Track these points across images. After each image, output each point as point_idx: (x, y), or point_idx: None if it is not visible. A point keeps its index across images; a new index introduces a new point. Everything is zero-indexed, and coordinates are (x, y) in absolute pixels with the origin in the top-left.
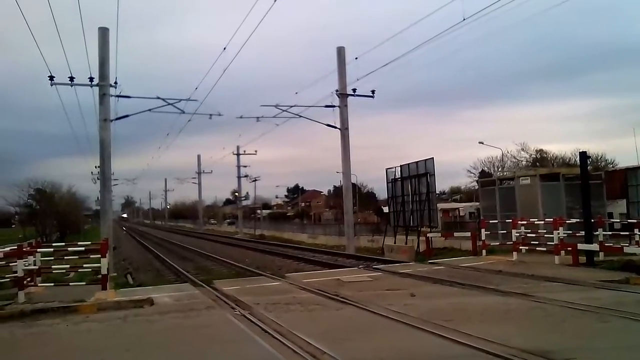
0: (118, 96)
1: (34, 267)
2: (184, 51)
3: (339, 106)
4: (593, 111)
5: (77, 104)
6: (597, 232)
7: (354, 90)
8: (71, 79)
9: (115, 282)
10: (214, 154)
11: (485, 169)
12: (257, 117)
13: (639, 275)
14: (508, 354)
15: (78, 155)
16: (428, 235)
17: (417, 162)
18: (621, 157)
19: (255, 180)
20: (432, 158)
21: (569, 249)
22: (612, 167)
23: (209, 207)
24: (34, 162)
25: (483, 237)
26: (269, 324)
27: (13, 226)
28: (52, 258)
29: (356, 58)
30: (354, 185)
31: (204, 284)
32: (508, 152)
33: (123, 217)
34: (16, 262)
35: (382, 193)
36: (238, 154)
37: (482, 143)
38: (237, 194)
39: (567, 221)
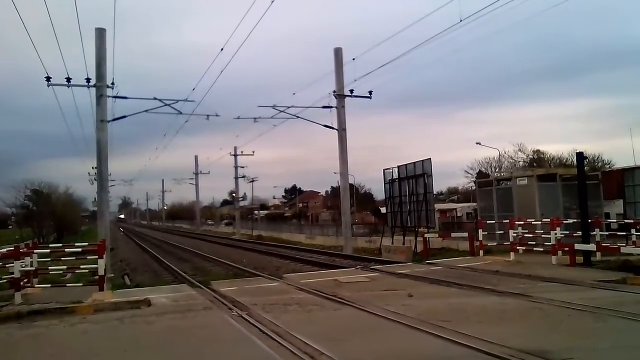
0: (115, 97)
1: (31, 268)
2: (181, 52)
3: (336, 107)
4: (590, 112)
5: (74, 104)
6: (594, 233)
7: (352, 91)
8: (68, 79)
9: (113, 283)
10: (212, 155)
11: (483, 169)
12: (255, 118)
13: (636, 275)
14: (506, 354)
15: (75, 156)
16: (425, 235)
17: (414, 163)
18: (618, 157)
19: (253, 180)
20: (430, 159)
21: (566, 249)
22: (609, 167)
23: (206, 208)
24: (31, 163)
25: (480, 238)
26: (266, 324)
27: (10, 227)
28: (49, 259)
29: (354, 59)
30: (351, 185)
31: (201, 285)
32: (505, 152)
33: (120, 218)
34: (13, 263)
35: (379, 194)
36: (235, 155)
37: (480, 144)
38: (234, 194)
39: (564, 221)
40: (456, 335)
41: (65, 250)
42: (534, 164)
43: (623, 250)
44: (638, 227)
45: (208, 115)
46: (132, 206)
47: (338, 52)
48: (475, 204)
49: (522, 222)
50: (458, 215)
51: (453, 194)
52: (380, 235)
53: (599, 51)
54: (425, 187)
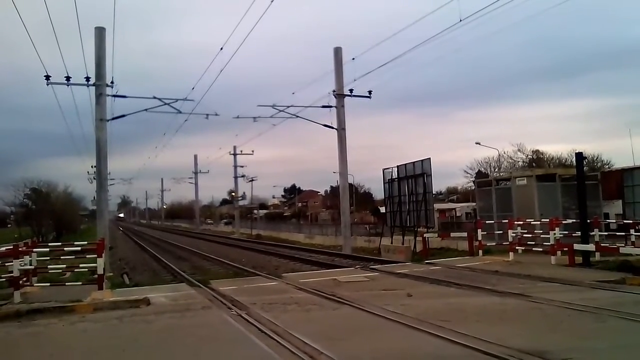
0: (114, 96)
1: (30, 267)
2: (180, 51)
3: (335, 106)
4: (590, 112)
5: (73, 103)
6: (593, 233)
7: (351, 90)
8: (67, 78)
9: (112, 282)
10: (211, 154)
11: (482, 169)
12: (254, 117)
13: (635, 275)
14: (505, 354)
15: (74, 155)
16: (425, 235)
17: (413, 163)
18: (617, 157)
19: (252, 180)
20: (429, 158)
21: (565, 249)
22: (608, 167)
23: (206, 207)
24: (30, 161)
25: (479, 238)
26: (265, 324)
27: (9, 226)
28: (48, 258)
29: (353, 58)
30: (350, 185)
31: (200, 284)
32: (505, 152)
33: (119, 217)
34: (12, 261)
35: (379, 193)
36: (235, 154)
37: (479, 144)
38: (233, 194)
39: (563, 222)
40: (455, 335)
41: (65, 249)
42: (533, 164)
43: (622, 250)
44: (637, 228)
45: (207, 115)
46: (131, 205)
47: (338, 52)
48: (474, 204)
49: (521, 222)
50: (457, 215)
51: (452, 194)
52: (379, 235)
53: (598, 51)
54: (425, 187)
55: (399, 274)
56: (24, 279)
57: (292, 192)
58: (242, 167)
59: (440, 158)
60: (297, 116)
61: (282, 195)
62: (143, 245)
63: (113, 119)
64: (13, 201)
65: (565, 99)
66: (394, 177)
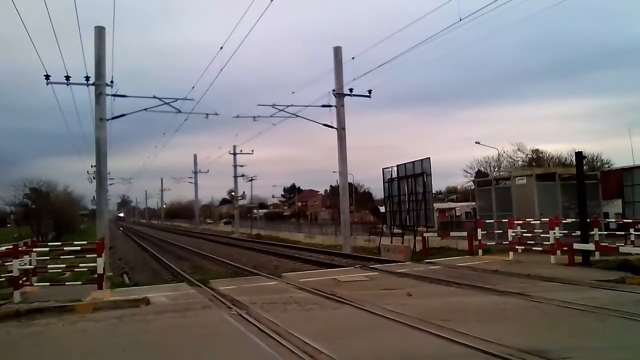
0: (114, 95)
1: (30, 266)
2: (180, 50)
3: (335, 106)
4: (589, 111)
5: (73, 103)
6: (593, 232)
7: (351, 90)
8: (67, 78)
9: (112, 281)
10: (211, 154)
11: (482, 168)
12: (254, 117)
13: (635, 274)
14: (505, 353)
15: (74, 155)
16: (424, 234)
17: (413, 162)
18: (617, 157)
19: (252, 179)
20: (429, 158)
21: (565, 248)
22: (608, 167)
23: (206, 207)
24: (30, 161)
25: (479, 237)
26: (265, 323)
27: (9, 225)
28: (48, 257)
29: (353, 58)
30: (350, 185)
31: (200, 284)
32: (504, 152)
33: (119, 217)
34: (12, 261)
35: (378, 193)
36: (235, 154)
37: (479, 143)
38: (233, 193)
39: (563, 221)
40: (455, 335)
41: (64, 248)
42: (533, 163)
43: (622, 249)
44: (637, 227)
45: (207, 114)
46: (131, 205)
47: (337, 51)
48: (474, 203)
49: (521, 222)
50: (457, 214)
51: (452, 194)
52: (379, 235)
53: (598, 50)
54: (425, 187)
55: (398, 273)
56: (24, 278)
57: (292, 191)
58: (241, 166)
59: (440, 157)
60: (297, 115)
61: (281, 195)
62: (143, 245)
63: (113, 118)
64: (13, 201)
65: (565, 98)
66: (393, 176)
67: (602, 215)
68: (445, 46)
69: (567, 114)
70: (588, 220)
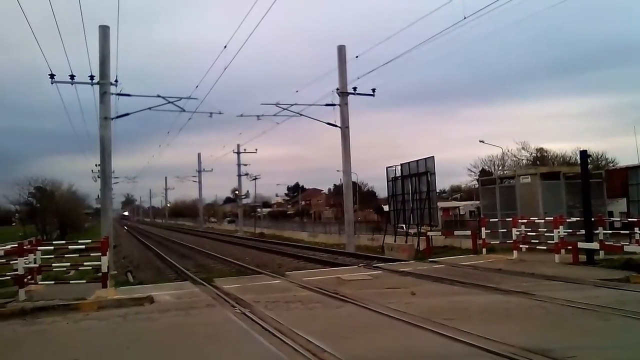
0: (118, 94)
1: (35, 265)
2: (184, 49)
3: (339, 105)
4: (594, 109)
5: (77, 102)
6: (597, 231)
7: (355, 88)
8: (72, 77)
9: (116, 280)
10: (215, 152)
11: (486, 167)
12: (258, 116)
13: (639, 273)
14: (509, 352)
15: (78, 153)
16: (428, 233)
17: (417, 161)
18: (622, 155)
19: (256, 178)
20: (433, 156)
21: (569, 247)
22: (613, 165)
23: (209, 206)
24: (35, 159)
25: (483, 236)
26: (269, 322)
27: (13, 224)
28: (53, 256)
29: (357, 56)
30: (354, 183)
31: (204, 282)
32: (508, 150)
33: (124, 215)
34: (17, 259)
35: (382, 191)
36: (238, 153)
37: (483, 142)
38: (237, 192)
39: (567, 220)
40: (459, 334)
41: (69, 247)
42: (538, 162)
43: (626, 248)
44: None
45: (211, 113)
46: (135, 203)
47: (341, 50)
48: (478, 202)
49: (525, 221)
50: (461, 213)
51: (456, 192)
52: (382, 233)
53: (603, 48)
54: (428, 185)
55: (402, 272)
56: (29, 277)
57: (296, 190)
58: (245, 165)
59: (444, 156)
60: (301, 114)
61: (285, 194)
62: (147, 244)
63: (117, 117)
64: (17, 199)
65: (569, 97)
66: (397, 175)
67: (606, 214)
68: (450, 44)
69: (571, 113)
70: (592, 219)
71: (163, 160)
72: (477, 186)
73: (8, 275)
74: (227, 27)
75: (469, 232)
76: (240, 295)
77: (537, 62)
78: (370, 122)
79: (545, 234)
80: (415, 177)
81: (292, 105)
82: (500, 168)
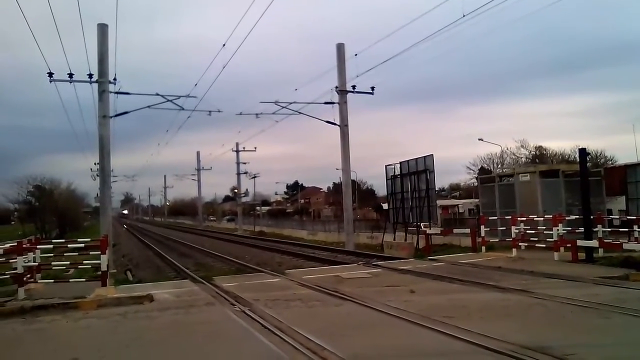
0: (117, 93)
1: (34, 263)
2: (183, 47)
3: (338, 103)
4: (593, 107)
5: (76, 100)
6: (596, 229)
7: (354, 87)
8: (70, 75)
9: (115, 278)
10: (214, 151)
11: (485, 165)
12: (257, 114)
13: (639, 271)
14: (508, 350)
15: (77, 152)
16: (427, 232)
17: (416, 159)
18: (621, 153)
19: (255, 176)
20: (432, 155)
21: (569, 245)
22: (612, 163)
23: (209, 204)
24: (33, 158)
25: (482, 234)
26: (269, 320)
27: (12, 223)
28: (52, 255)
29: (356, 54)
30: (353, 182)
31: (203, 281)
32: (507, 148)
33: (123, 214)
34: (16, 258)
35: (381, 190)
36: (237, 151)
37: (482, 140)
38: (236, 190)
39: (566, 218)
40: (458, 331)
41: (68, 246)
42: (537, 160)
43: (625, 246)
44: None
45: (210, 111)
46: (134, 202)
47: (340, 48)
48: (477, 200)
49: (524, 219)
50: (460, 211)
51: (455, 190)
52: (382, 232)
53: (602, 46)
54: (427, 183)
55: (401, 270)
56: (28, 275)
57: (295, 188)
58: (244, 163)
59: (443, 154)
60: (300, 113)
61: (284, 192)
62: (146, 242)
63: (116, 115)
64: (16, 198)
65: (568, 95)
66: (396, 173)
67: (605, 212)
68: (449, 42)
69: (570, 111)
70: (592, 217)
71: (162, 159)
72: (476, 184)
73: (7, 274)
74: (226, 26)
75: (468, 230)
76: (240, 293)
77: (536, 60)
78: (369, 120)
79: (545, 232)
80: (415, 175)
81: (291, 103)
82: (499, 166)
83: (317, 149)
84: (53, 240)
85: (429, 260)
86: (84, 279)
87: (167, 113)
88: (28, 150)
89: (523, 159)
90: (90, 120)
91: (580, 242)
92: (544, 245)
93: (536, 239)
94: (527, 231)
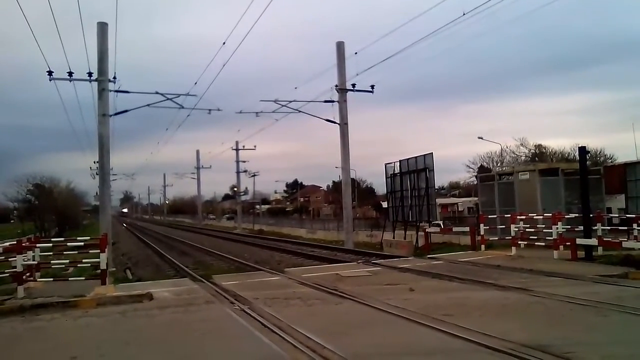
0: (117, 91)
1: (33, 262)
2: (183, 46)
3: (338, 101)
4: (592, 106)
5: (75, 98)
6: (595, 227)
7: (354, 85)
8: (70, 74)
9: (115, 277)
10: (213, 149)
11: (484, 164)
12: (257, 112)
13: (638, 269)
14: (507, 348)
15: (77, 151)
16: (427, 230)
17: (416, 157)
18: (620, 152)
19: (254, 175)
20: (431, 153)
21: (568, 243)
22: (611, 162)
23: (208, 203)
24: (33, 157)
25: (482, 232)
26: (268, 318)
27: (12, 221)
28: (51, 253)
29: (356, 53)
30: (353, 180)
31: (203, 279)
32: (507, 147)
33: (123, 213)
34: (15, 257)
35: (381, 188)
36: (237, 149)
37: (481, 138)
38: (236, 189)
39: (565, 216)
40: (457, 329)
41: (68, 244)
42: (536, 158)
43: (625, 245)
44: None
45: (210, 110)
46: (134, 200)
47: (340, 46)
48: (476, 198)
49: (523, 217)
50: (459, 209)
51: (454, 189)
52: (381, 230)
53: (602, 43)
54: (427, 182)
55: (401, 268)
56: (28, 274)
57: (294, 187)
58: (244, 162)
59: (442, 153)
60: (300, 111)
61: (284, 191)
62: (146, 241)
63: (115, 114)
64: (16, 197)
65: (568, 93)
66: (396, 171)
67: (605, 210)
68: (449, 41)
69: (570, 109)
70: (591, 215)
71: (161, 157)
72: (475, 183)
73: (7, 273)
74: (226, 24)
75: (467, 229)
76: (239, 291)
77: (536, 58)
78: (369, 119)
79: (544, 230)
80: (414, 173)
81: (290, 102)
82: (498, 164)
83: (316, 147)
84: (52, 239)
85: (429, 259)
86: (83, 278)
87: (167, 111)
88: (28, 149)
89: (522, 158)
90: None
91: (579, 241)
92: (543, 244)
93: (535, 237)
94: (527, 229)
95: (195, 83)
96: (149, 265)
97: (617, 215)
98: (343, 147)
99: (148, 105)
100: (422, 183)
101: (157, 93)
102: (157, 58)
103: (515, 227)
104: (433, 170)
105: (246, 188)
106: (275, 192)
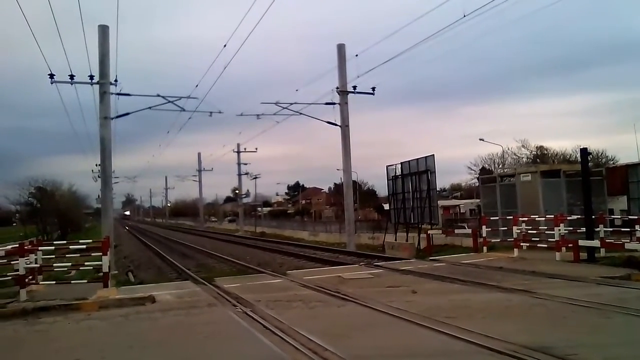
0: (118, 94)
1: (36, 265)
2: (184, 48)
3: (339, 103)
4: (594, 107)
5: (77, 101)
6: (598, 229)
7: (355, 87)
8: (71, 77)
9: (117, 280)
10: (215, 152)
11: (486, 165)
12: (258, 115)
13: None
14: (510, 350)
15: (79, 153)
16: (429, 232)
17: (417, 159)
18: (622, 153)
19: (256, 177)
20: (433, 155)
21: (570, 245)
22: (613, 163)
23: (210, 205)
24: (35, 160)
25: (484, 234)
26: (270, 321)
27: (14, 224)
28: (54, 256)
29: (357, 55)
30: (354, 182)
31: (205, 282)
32: (509, 148)
33: (125, 215)
34: (18, 260)
35: (382, 190)
36: (238, 152)
37: (483, 140)
38: (237, 191)
39: (568, 218)
40: (460, 332)
41: (70, 247)
42: (538, 160)
43: (627, 246)
44: None
45: (211, 112)
46: (135, 203)
47: (341, 49)
48: (478, 200)
49: (525, 219)
50: (461, 211)
51: (456, 191)
52: (383, 232)
53: (604, 44)
54: (429, 184)
55: (403, 270)
56: (30, 277)
57: (296, 189)
58: (245, 164)
59: (444, 154)
60: (301, 113)
61: (285, 193)
62: (148, 243)
63: (117, 117)
64: (18, 200)
65: (569, 94)
66: (397, 174)
67: (607, 211)
68: (450, 43)
69: (571, 110)
70: (593, 216)
71: (163, 160)
72: (477, 184)
73: (9, 276)
74: (226, 26)
75: (469, 231)
76: (241, 294)
77: (537, 60)
78: (370, 121)
79: (546, 232)
80: (416, 175)
81: (292, 104)
82: (500, 166)
83: (318, 149)
84: (55, 242)
85: (431, 261)
86: (85, 281)
87: (168, 114)
88: (29, 152)
89: (524, 159)
90: (91, 121)
91: (582, 242)
92: (545, 246)
93: (538, 239)
94: (529, 231)
95: (197, 85)
96: (151, 267)
97: (619, 216)
98: (344, 149)
99: (149, 108)
100: (423, 185)
101: (158, 96)
102: (158, 60)
103: (518, 229)
104: (434, 172)
105: (248, 190)
106: (277, 195)
